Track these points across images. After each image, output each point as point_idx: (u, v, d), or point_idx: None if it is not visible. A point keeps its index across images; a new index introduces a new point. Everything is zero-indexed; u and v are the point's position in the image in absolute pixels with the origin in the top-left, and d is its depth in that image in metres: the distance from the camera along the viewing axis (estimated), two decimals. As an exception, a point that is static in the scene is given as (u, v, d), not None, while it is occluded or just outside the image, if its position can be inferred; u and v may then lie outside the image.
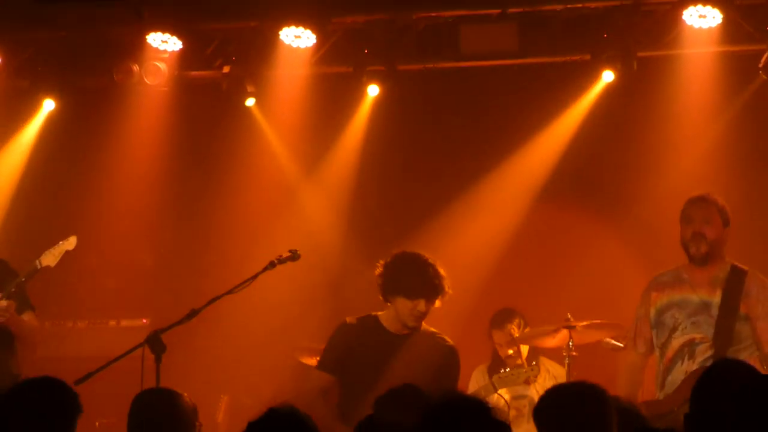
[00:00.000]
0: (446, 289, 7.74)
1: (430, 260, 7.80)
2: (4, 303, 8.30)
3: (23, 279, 8.43)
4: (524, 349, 9.53)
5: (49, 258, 8.54)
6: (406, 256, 7.87)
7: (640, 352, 7.81)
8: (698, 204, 7.78)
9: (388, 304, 7.83)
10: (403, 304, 7.71)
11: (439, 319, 7.98)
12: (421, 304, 7.68)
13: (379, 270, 7.85)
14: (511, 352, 9.51)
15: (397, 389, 6.17)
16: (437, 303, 7.75)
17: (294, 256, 7.85)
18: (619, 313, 9.06)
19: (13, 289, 8.35)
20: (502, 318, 9.65)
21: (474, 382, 9.47)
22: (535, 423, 5.02)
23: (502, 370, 8.94)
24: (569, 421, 4.92)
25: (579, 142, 10.48)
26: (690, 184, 9.86)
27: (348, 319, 7.97)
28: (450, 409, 4.30)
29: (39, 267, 8.51)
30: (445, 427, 4.23)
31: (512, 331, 9.55)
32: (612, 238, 10.36)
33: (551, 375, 9.46)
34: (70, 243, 8.60)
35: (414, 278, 7.71)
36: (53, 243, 8.85)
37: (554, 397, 5.15)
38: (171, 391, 6.13)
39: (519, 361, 9.39)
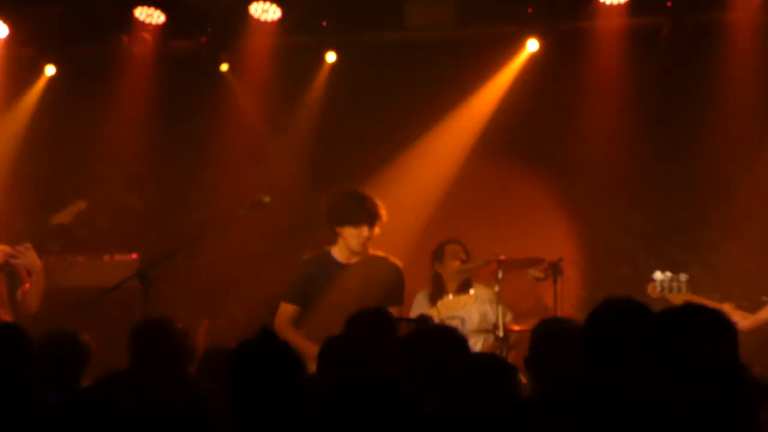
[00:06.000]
0: (383, 216, 8.32)
1: (366, 194, 8.38)
2: (22, 245, 8.71)
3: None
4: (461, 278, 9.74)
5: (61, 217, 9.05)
6: (347, 192, 8.46)
7: None
8: None
9: (338, 236, 8.42)
10: (349, 233, 8.33)
11: (387, 251, 8.51)
12: (365, 230, 8.29)
13: (325, 207, 8.49)
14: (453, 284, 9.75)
15: (366, 311, 6.62)
16: (377, 230, 8.34)
17: (263, 201, 8.54)
18: (541, 248, 9.62)
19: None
20: (441, 252, 9.88)
21: (417, 306, 9.72)
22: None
23: (446, 297, 9.29)
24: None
25: (508, 102, 10.88)
26: (603, 137, 10.69)
27: (304, 256, 8.57)
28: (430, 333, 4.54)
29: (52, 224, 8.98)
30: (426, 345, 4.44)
31: (453, 262, 9.75)
32: (535, 184, 10.67)
33: (481, 299, 9.69)
34: (80, 205, 9.12)
35: (356, 208, 8.30)
36: (56, 192, 9.35)
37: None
38: (165, 319, 6.46)
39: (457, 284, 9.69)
